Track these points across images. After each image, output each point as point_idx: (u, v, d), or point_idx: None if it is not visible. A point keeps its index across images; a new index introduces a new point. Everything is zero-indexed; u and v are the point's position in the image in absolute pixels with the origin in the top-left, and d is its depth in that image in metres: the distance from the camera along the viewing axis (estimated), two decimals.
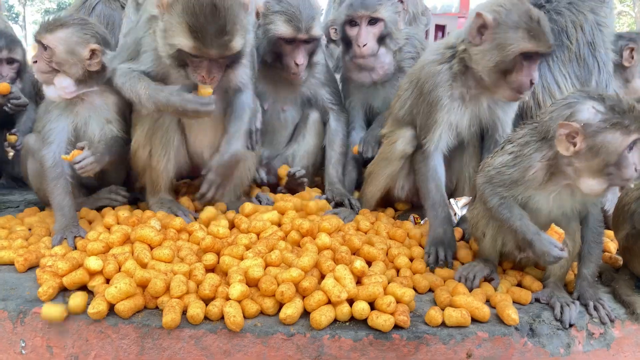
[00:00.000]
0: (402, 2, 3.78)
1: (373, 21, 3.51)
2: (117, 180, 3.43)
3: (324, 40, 3.91)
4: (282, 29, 3.33)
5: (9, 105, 3.27)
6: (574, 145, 2.23)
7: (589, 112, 2.22)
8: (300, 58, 3.39)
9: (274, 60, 3.48)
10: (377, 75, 3.62)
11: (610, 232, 3.01)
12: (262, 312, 2.24)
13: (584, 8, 3.27)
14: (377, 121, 3.68)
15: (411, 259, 2.72)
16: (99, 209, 3.23)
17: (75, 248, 2.73)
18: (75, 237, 2.81)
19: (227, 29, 2.65)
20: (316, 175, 3.96)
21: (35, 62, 3.06)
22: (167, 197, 3.23)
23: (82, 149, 3.02)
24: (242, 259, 2.49)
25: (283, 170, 3.59)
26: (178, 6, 2.64)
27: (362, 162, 3.66)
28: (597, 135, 2.20)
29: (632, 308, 2.47)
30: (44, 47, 3.03)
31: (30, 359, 2.26)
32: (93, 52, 3.05)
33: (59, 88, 3.06)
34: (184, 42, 2.65)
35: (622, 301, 2.54)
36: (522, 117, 3.23)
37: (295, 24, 3.31)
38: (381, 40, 3.54)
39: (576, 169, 2.28)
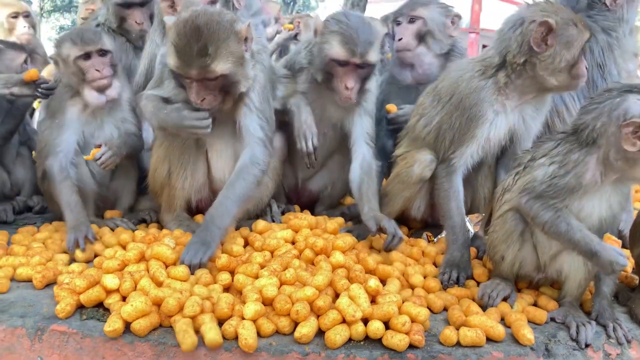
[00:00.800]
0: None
1: (412, 19, 3.68)
2: (129, 186, 3.61)
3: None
4: (336, 50, 3.16)
5: (39, 91, 3.33)
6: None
7: (638, 105, 2.27)
8: (351, 82, 3.20)
9: (325, 80, 3.30)
10: (417, 74, 3.74)
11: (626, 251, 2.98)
12: (277, 331, 2.24)
13: (594, 29, 3.26)
14: None
15: (424, 276, 2.73)
16: None
17: (84, 249, 2.88)
18: (85, 236, 2.94)
19: (209, 50, 2.72)
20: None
21: (97, 70, 3.25)
22: (183, 215, 3.26)
23: (99, 146, 3.28)
24: (256, 277, 2.51)
25: None
26: (173, 29, 2.80)
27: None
28: None
29: None
30: (103, 53, 3.29)
31: None
32: None
33: (114, 89, 3.31)
34: (171, 61, 2.80)
35: (639, 321, 2.52)
36: None
37: (351, 47, 3.13)
38: (421, 38, 3.68)
39: (629, 159, 2.32)
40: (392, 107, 3.71)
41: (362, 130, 3.39)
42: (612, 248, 2.33)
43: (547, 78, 2.79)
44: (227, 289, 2.50)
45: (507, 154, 3.11)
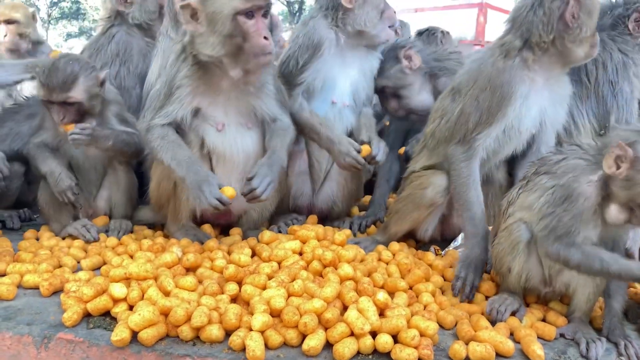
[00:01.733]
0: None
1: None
2: (122, 196, 3.63)
3: None
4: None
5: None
6: (618, 168, 2.26)
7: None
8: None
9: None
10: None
11: None
12: (285, 343, 2.23)
13: (611, 47, 3.29)
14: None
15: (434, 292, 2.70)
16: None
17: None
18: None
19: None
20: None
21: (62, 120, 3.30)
22: (190, 224, 3.25)
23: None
24: (264, 288, 2.49)
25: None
26: None
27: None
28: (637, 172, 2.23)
29: None
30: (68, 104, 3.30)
31: None
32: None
33: (82, 136, 3.27)
34: None
35: None
36: None
37: None
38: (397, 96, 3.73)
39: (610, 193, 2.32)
40: (402, 151, 3.73)
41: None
42: None
43: (575, 50, 2.89)
44: (234, 299, 2.48)
45: (522, 164, 3.09)
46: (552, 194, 2.42)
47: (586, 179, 2.37)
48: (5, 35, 4.95)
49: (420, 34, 5.17)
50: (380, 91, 3.76)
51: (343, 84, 3.54)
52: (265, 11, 2.93)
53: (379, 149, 3.42)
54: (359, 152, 3.34)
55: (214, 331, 2.21)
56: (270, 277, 2.56)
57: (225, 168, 3.18)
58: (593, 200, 2.35)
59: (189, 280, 2.50)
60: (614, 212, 2.33)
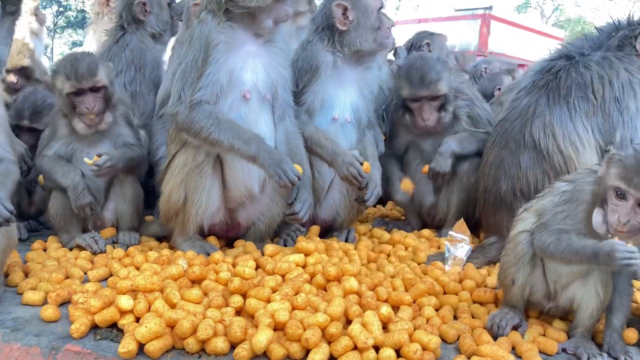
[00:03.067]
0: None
1: (434, 98, 3.85)
2: (128, 208, 3.66)
3: None
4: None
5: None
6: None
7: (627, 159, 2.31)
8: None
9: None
10: (434, 129, 3.91)
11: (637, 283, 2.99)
12: (288, 357, 2.25)
13: (618, 66, 3.33)
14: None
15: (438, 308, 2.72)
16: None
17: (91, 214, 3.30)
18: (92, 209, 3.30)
19: None
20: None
21: (87, 108, 3.34)
22: (196, 236, 3.29)
23: (100, 156, 3.37)
24: (268, 301, 2.51)
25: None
26: None
27: None
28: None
29: None
30: (96, 89, 3.35)
31: None
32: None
33: (104, 123, 3.42)
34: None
35: None
36: (544, 158, 3.33)
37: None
38: (441, 107, 3.86)
39: None
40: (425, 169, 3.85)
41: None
42: (609, 241, 2.29)
43: None
44: (239, 312, 2.51)
45: None
46: (560, 196, 2.51)
47: (589, 186, 2.44)
48: (16, 83, 4.93)
49: (408, 48, 5.29)
50: (416, 100, 3.86)
51: (343, 102, 3.65)
52: None
53: (372, 194, 3.53)
54: (361, 164, 3.40)
55: (219, 344, 2.24)
56: (274, 290, 2.58)
57: None
58: (588, 205, 2.41)
59: (195, 292, 2.53)
60: (594, 215, 2.36)
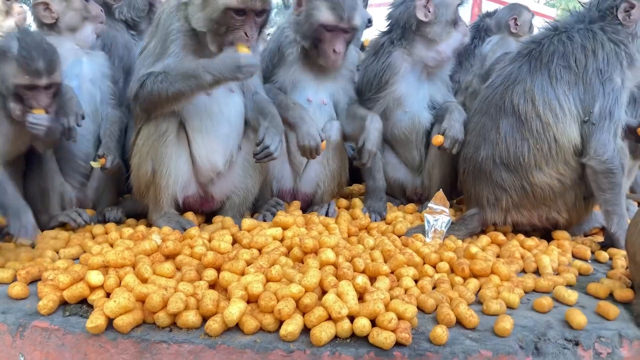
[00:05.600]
0: None
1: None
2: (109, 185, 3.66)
3: None
4: (325, 16, 3.39)
5: None
6: None
7: None
8: (340, 46, 3.45)
9: (312, 47, 3.53)
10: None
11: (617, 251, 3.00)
12: (261, 329, 2.21)
13: (601, 36, 3.28)
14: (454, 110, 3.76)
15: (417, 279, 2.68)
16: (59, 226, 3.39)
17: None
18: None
19: None
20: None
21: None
22: (172, 211, 3.23)
23: (103, 155, 3.36)
24: (242, 274, 2.47)
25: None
26: None
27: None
28: None
29: None
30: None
31: None
32: None
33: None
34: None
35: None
36: (522, 123, 3.28)
37: (339, 13, 3.37)
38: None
39: None
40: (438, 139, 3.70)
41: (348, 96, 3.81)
42: None
43: None
44: (212, 286, 2.46)
45: None
46: None
47: None
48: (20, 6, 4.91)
49: None
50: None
51: (315, 88, 3.69)
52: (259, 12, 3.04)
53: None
54: (322, 140, 3.39)
55: (191, 317, 2.19)
56: (249, 264, 2.53)
57: (210, 131, 3.23)
58: None
59: (167, 267, 2.48)
60: None
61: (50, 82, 2.98)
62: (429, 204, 3.34)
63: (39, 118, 2.96)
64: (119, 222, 3.45)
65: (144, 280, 2.40)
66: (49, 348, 2.21)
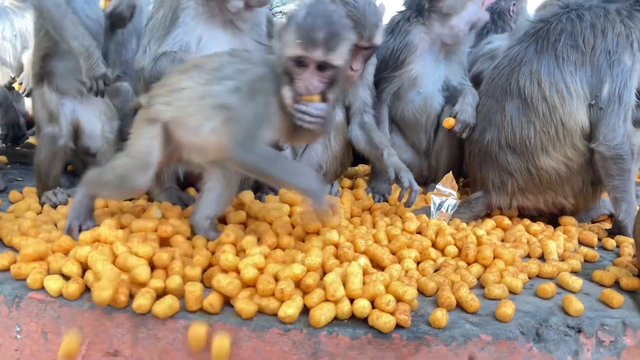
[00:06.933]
0: None
1: None
2: None
3: None
4: None
5: None
6: None
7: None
8: (358, 64, 3.33)
9: None
10: None
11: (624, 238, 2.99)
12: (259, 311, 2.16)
13: (614, 17, 3.17)
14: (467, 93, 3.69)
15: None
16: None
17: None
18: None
19: None
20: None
21: None
22: (173, 186, 3.20)
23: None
24: (243, 252, 2.44)
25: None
26: None
27: None
28: None
29: None
30: None
31: (25, 344, 2.23)
32: None
33: None
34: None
35: None
36: (528, 106, 3.22)
37: (359, 31, 3.19)
38: None
39: None
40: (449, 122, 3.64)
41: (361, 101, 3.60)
42: None
43: None
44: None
45: None
46: None
47: None
48: None
49: None
50: None
51: None
52: None
53: None
54: None
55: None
56: (249, 242, 2.49)
57: None
58: None
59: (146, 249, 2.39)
60: None
61: (325, 60, 2.34)
62: (437, 186, 3.28)
63: (315, 107, 2.36)
64: None
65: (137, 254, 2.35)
66: (45, 320, 2.20)
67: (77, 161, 3.71)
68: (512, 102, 3.27)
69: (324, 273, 2.31)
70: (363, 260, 2.31)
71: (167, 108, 2.52)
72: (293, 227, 2.73)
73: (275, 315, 2.12)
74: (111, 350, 2.16)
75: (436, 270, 2.61)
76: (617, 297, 2.43)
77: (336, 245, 2.51)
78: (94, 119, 3.48)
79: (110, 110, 3.53)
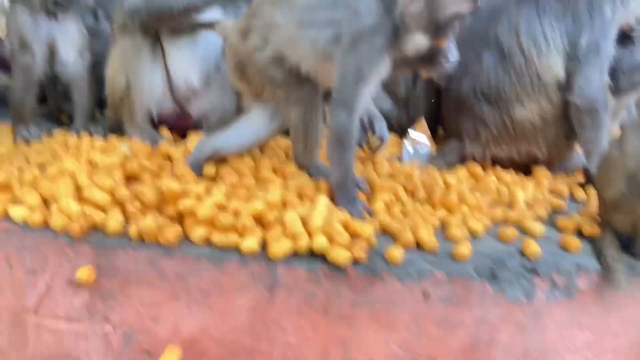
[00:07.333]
0: None
1: None
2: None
3: None
4: None
5: None
6: None
7: None
8: None
9: None
10: None
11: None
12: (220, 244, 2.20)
13: None
14: None
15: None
16: None
17: None
18: None
19: None
20: None
21: None
22: (146, 125, 3.21)
23: None
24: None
25: None
26: None
27: None
28: None
29: (613, 275, 2.35)
30: None
31: None
32: None
33: None
34: None
35: (605, 263, 2.40)
36: (506, 60, 3.18)
37: None
38: None
39: None
40: None
41: None
42: None
43: None
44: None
45: None
46: None
47: None
48: None
49: None
50: None
51: None
52: None
53: None
54: None
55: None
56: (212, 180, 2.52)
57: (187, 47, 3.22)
58: None
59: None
60: None
61: None
62: (410, 133, 3.30)
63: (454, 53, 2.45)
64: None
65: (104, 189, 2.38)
66: (9, 249, 2.23)
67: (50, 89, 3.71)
68: (490, 53, 3.24)
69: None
70: (324, 199, 2.33)
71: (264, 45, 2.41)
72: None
73: (236, 248, 2.17)
74: (74, 280, 2.20)
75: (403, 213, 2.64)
76: (574, 242, 2.46)
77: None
78: (68, 45, 3.44)
79: (85, 42, 3.50)
